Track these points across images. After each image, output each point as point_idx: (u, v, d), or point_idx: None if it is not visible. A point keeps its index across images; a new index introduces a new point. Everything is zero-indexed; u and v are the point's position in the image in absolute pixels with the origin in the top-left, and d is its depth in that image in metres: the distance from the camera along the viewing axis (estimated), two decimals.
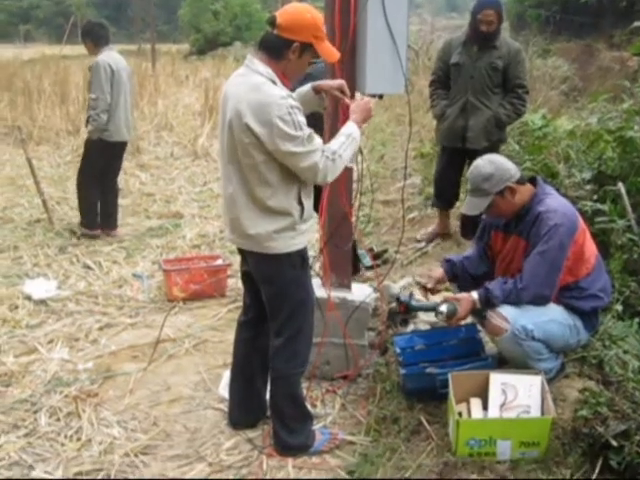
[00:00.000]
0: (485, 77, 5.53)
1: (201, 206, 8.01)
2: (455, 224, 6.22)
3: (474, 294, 3.49)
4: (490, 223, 3.83)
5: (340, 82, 3.24)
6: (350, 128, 3.09)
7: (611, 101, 7.56)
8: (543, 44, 15.52)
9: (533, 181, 3.64)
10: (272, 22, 2.90)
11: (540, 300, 3.42)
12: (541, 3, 17.31)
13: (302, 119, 2.86)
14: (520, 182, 3.53)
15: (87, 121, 6.57)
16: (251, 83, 2.87)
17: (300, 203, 2.99)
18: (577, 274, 3.48)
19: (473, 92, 5.54)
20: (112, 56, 6.50)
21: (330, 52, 3.01)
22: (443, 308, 3.52)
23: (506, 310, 3.39)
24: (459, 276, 3.87)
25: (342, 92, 3.21)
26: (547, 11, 16.93)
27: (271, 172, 2.89)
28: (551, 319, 3.41)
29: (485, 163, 3.54)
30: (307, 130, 2.86)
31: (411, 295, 3.80)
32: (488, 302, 3.45)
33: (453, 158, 5.87)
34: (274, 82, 2.89)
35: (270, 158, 2.87)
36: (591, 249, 3.55)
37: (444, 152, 6.02)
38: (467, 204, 3.64)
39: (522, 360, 3.42)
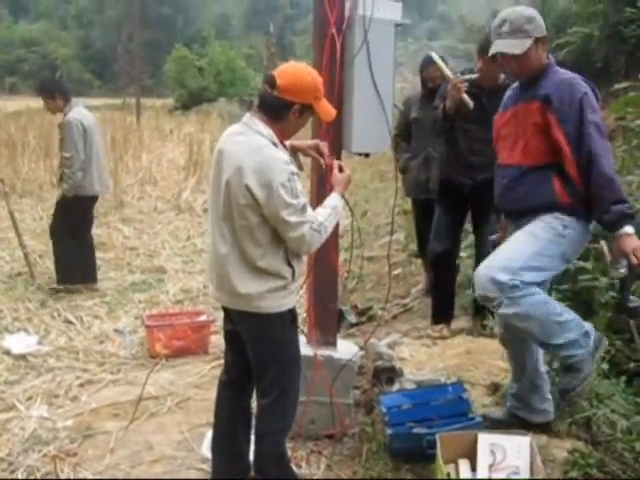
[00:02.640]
0: None
1: (185, 261, 7.99)
2: None
3: (628, 229, 3.11)
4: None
5: (315, 142, 3.24)
6: (336, 200, 3.08)
7: None
8: None
9: None
10: (272, 83, 2.87)
11: None
12: None
13: (300, 187, 2.86)
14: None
15: (60, 179, 6.53)
16: (252, 144, 2.86)
17: (289, 265, 2.97)
18: None
19: (433, 145, 5.62)
20: (81, 112, 6.52)
21: (328, 111, 3.01)
22: (622, 267, 3.15)
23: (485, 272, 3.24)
24: None
25: (318, 152, 3.20)
26: None
27: (263, 233, 2.88)
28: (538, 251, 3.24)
29: (523, 8, 3.41)
30: (302, 200, 2.86)
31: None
32: (625, 216, 3.13)
33: (422, 209, 5.98)
34: (275, 144, 2.88)
35: (264, 221, 2.85)
36: None
37: (414, 204, 6.18)
38: (502, 45, 3.31)
39: (541, 331, 3.25)
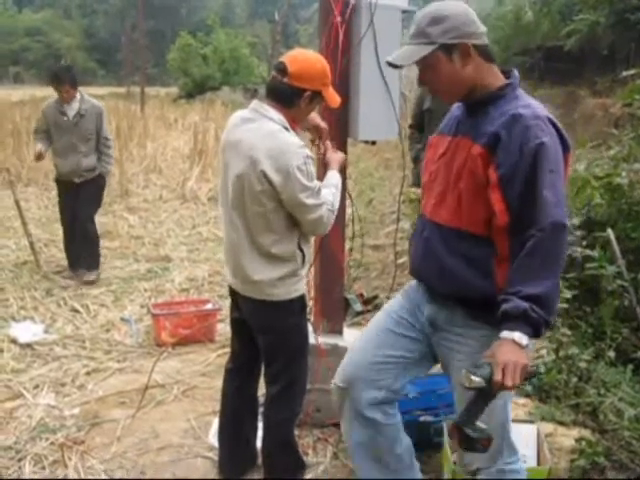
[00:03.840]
0: None
1: (190, 249, 7.98)
2: None
3: (518, 336, 2.09)
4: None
5: (317, 123, 3.24)
6: (336, 178, 3.11)
7: (596, 147, 7.65)
8: (527, 90, 15.77)
9: (506, 73, 2.53)
10: (282, 70, 2.87)
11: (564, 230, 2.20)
12: (525, 51, 17.60)
13: (314, 170, 2.87)
14: (484, 54, 2.40)
15: (97, 161, 6.59)
16: (265, 130, 2.85)
17: (300, 249, 2.97)
18: None
19: None
20: None
21: (334, 98, 3.01)
22: (481, 376, 2.07)
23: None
24: None
25: (318, 133, 3.23)
26: (531, 58, 17.21)
27: (278, 220, 2.87)
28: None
29: (444, 5, 2.39)
30: (317, 182, 2.87)
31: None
32: (526, 320, 2.11)
33: None
34: (287, 129, 2.88)
35: (279, 206, 2.85)
36: None
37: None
38: (399, 52, 2.45)
39: None
